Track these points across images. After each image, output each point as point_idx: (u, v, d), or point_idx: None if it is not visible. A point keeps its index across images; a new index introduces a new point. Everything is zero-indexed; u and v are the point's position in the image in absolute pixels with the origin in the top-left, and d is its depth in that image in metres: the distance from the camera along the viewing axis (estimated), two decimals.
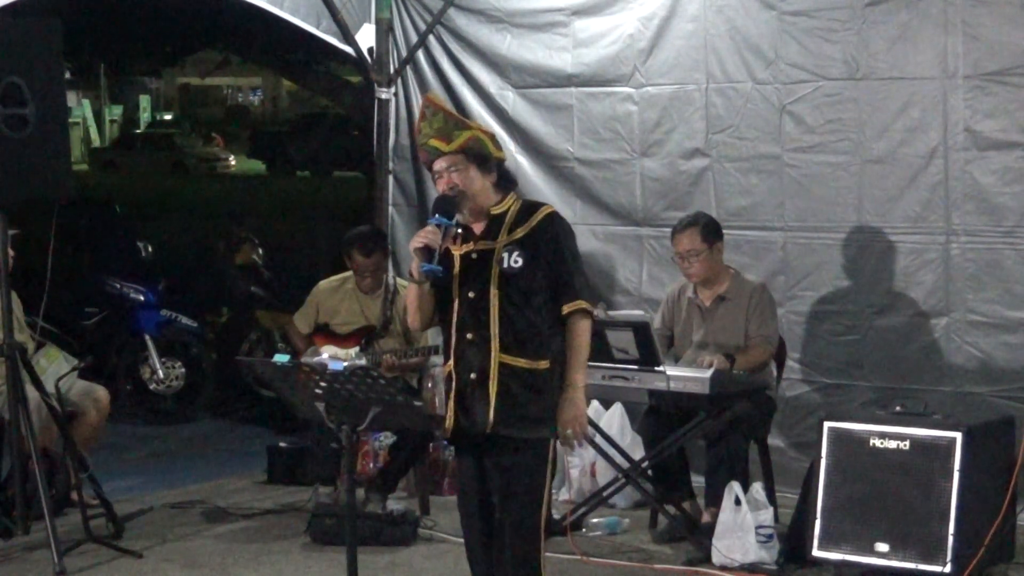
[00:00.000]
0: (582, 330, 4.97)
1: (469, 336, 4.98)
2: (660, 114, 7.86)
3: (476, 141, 4.98)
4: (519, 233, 4.97)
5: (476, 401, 4.96)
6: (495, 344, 4.93)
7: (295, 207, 25.04)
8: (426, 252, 4.88)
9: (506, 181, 5.08)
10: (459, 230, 4.98)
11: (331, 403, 4.93)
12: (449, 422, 5.02)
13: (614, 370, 6.58)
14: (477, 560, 5.15)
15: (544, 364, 4.95)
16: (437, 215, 4.93)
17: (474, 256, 5.00)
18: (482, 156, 4.98)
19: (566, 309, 4.95)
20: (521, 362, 4.93)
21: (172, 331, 10.04)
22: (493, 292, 4.94)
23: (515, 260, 4.94)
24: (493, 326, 4.93)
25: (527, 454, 4.96)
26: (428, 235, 4.89)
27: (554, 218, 5.02)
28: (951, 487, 5.91)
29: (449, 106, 5.09)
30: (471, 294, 4.97)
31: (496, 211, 5.01)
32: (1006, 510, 6.05)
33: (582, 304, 4.96)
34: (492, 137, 5.08)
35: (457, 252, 5.00)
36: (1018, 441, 6.21)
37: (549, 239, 4.97)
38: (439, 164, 4.98)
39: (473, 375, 4.96)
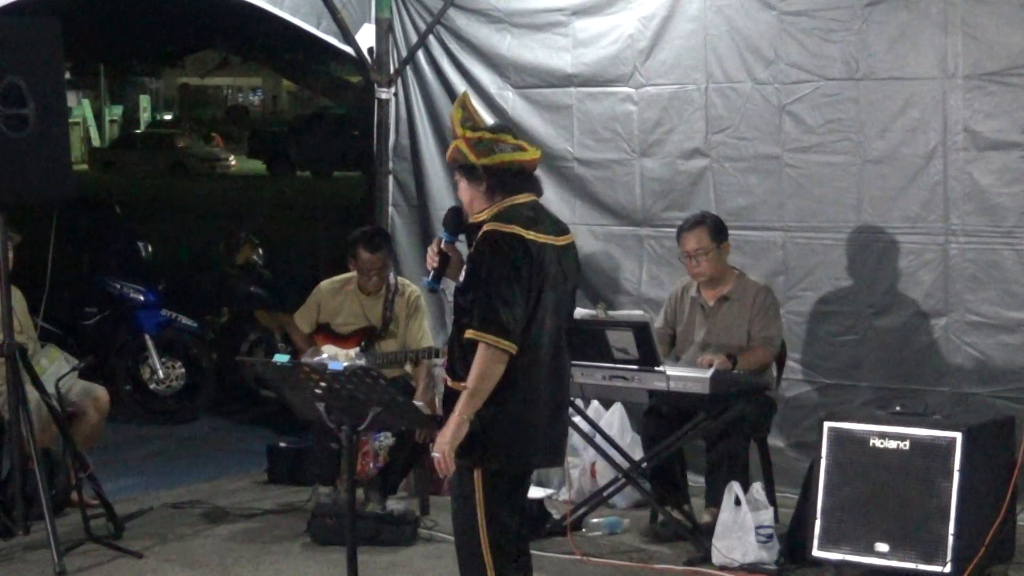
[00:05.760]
0: (477, 359, 4.64)
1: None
2: (660, 114, 7.86)
3: (457, 152, 4.86)
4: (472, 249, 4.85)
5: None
6: (445, 362, 4.93)
7: (295, 207, 25.03)
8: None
9: (501, 186, 4.81)
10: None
11: (331, 403, 4.93)
12: None
13: (614, 370, 6.58)
14: None
15: (463, 386, 4.71)
16: (443, 229, 5.01)
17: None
18: (465, 167, 4.85)
19: (466, 335, 4.69)
20: (451, 383, 4.83)
21: (172, 331, 10.03)
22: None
23: (462, 277, 4.87)
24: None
25: (458, 479, 4.80)
26: (432, 253, 4.96)
27: (485, 237, 4.73)
28: (951, 487, 5.91)
29: (453, 110, 5.02)
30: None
31: (474, 220, 4.88)
32: (1006, 510, 6.05)
33: (474, 333, 4.64)
34: (477, 142, 4.81)
35: None
36: (1018, 441, 6.21)
37: (471, 259, 4.77)
38: None
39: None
